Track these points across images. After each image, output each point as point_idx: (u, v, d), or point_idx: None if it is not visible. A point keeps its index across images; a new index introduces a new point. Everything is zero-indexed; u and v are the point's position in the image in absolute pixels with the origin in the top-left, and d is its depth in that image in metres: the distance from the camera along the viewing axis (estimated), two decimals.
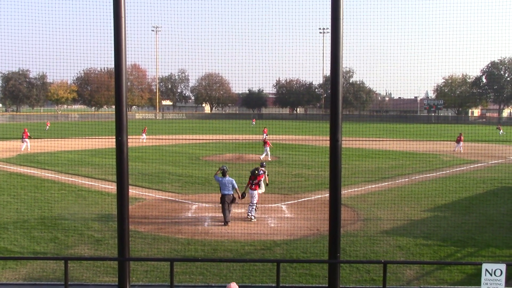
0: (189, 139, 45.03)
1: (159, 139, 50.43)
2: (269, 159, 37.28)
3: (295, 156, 38.19)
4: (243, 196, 18.37)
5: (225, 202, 17.81)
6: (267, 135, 55.87)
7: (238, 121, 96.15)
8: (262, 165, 21.08)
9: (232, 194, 17.91)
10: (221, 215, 18.04)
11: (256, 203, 18.75)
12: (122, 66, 9.59)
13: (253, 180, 18.71)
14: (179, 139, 42.55)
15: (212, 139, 53.91)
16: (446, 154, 41.22)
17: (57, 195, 22.78)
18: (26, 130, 44.14)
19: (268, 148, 38.40)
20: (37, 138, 45.73)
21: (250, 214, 18.55)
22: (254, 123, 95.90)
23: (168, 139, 46.61)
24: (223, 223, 17.85)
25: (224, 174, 18.07)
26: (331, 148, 9.72)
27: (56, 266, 13.15)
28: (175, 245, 15.41)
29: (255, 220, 18.46)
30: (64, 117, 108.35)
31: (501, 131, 68.14)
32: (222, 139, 55.82)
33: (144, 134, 55.04)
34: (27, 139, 43.11)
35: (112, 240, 15.62)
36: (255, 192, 18.61)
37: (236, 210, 20.00)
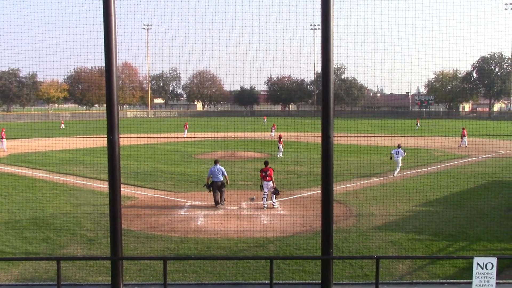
0: (181, 137, 44.98)
1: (151, 137, 50.28)
2: (281, 156, 37.08)
3: (288, 153, 38.23)
4: (261, 188, 20.18)
5: (216, 188, 20.11)
6: (276, 130, 56.81)
7: (231, 118, 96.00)
8: (266, 163, 21.03)
9: (222, 181, 20.19)
10: (214, 211, 18.14)
11: (270, 192, 20.19)
12: (113, 64, 9.56)
13: (266, 172, 20.09)
14: (172, 137, 42.48)
15: (205, 137, 53.86)
16: (438, 149, 41.46)
17: (49, 195, 22.68)
18: (4, 130, 43.94)
19: (281, 146, 38.13)
20: (28, 138, 45.46)
21: (265, 205, 20.08)
22: (265, 121, 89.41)
23: (161, 137, 46.53)
24: (214, 207, 20.06)
25: (215, 163, 20.56)
26: (323, 144, 9.74)
27: (48, 266, 13.10)
28: (168, 243, 15.40)
29: (278, 205, 20.32)
30: (55, 116, 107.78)
31: (418, 124, 69.30)
32: (215, 137, 55.80)
33: (186, 131, 57.71)
34: (4, 139, 42.78)
35: (105, 239, 15.58)
36: (270, 183, 20.06)
37: (229, 207, 20.05)
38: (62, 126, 73.74)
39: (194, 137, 54.08)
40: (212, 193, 20.39)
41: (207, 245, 15.24)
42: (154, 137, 50.17)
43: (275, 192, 20.26)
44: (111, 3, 9.44)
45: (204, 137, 54.15)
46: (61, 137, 42.45)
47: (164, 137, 46.20)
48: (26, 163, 33.80)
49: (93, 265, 13.27)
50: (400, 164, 28.34)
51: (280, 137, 38.93)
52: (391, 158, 28.75)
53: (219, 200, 20.21)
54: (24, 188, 24.29)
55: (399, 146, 28.61)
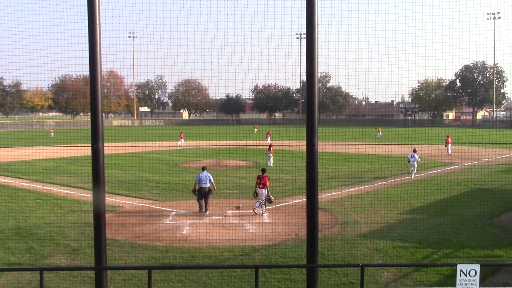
0: (166, 146, 44.81)
1: (136, 146, 50.03)
2: (271, 165, 36.78)
3: (273, 161, 38.26)
4: (255, 195, 20.48)
5: (202, 194, 20.50)
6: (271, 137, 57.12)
7: (216, 126, 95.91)
8: (263, 171, 21.33)
9: (208, 187, 20.60)
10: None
11: (265, 199, 20.39)
12: (98, 73, 9.53)
13: (261, 180, 20.40)
14: (157, 146, 42.30)
15: (191, 145, 53.72)
16: (422, 157, 41.80)
17: (33, 204, 22.43)
18: None
19: (271, 154, 38.00)
20: (11, 147, 44.94)
21: (256, 208, 20.27)
22: (256, 129, 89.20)
23: (146, 146, 46.32)
24: (199, 213, 20.43)
25: (203, 170, 21.06)
26: (307, 153, 9.78)
27: (31, 277, 12.93)
28: (153, 252, 15.30)
29: (266, 214, 20.27)
30: (40, 125, 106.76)
31: (380, 133, 69.60)
32: (201, 145, 55.67)
33: (182, 139, 57.98)
34: None
35: (90, 249, 15.41)
36: (263, 191, 20.28)
37: (214, 217, 20.00)
38: (51, 135, 73.25)
39: (180, 146, 53.90)
40: (197, 200, 20.83)
41: (193, 254, 15.16)
42: (139, 146, 49.92)
43: (268, 200, 20.53)
44: (96, 12, 9.42)
45: (190, 146, 54.01)
46: (45, 146, 42.07)
47: (149, 146, 46.02)
48: (9, 172, 33.38)
49: (77, 275, 13.12)
50: (416, 167, 30.85)
51: (270, 146, 38.93)
52: (408, 161, 31.02)
53: (205, 207, 20.57)
54: (7, 198, 23.98)
55: (414, 151, 31.30)
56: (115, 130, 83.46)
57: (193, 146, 53.57)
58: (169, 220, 19.67)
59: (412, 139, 55.70)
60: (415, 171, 30.65)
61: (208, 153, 47.08)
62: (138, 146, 50.01)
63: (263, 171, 21.18)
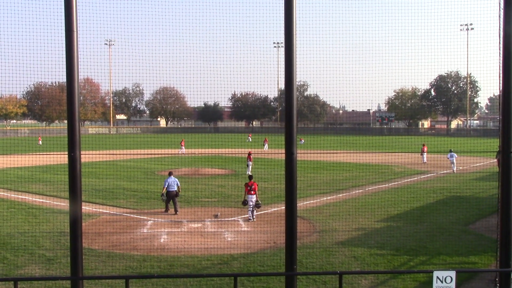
0: (144, 154, 44.42)
1: (113, 154, 49.47)
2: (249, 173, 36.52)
3: (252, 169, 38.24)
4: (244, 203, 20.80)
5: (170, 197, 22.21)
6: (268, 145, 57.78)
7: (194, 134, 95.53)
8: (250, 178, 21.75)
9: (176, 190, 22.24)
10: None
11: (253, 206, 20.70)
12: (75, 80, 9.41)
13: (251, 186, 20.75)
14: (134, 154, 41.91)
15: (168, 153, 53.34)
16: (398, 165, 42.32)
17: (6, 213, 21.97)
18: None
19: (250, 162, 37.87)
20: None
21: (252, 217, 20.75)
22: (250, 138, 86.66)
23: (123, 154, 45.86)
24: (165, 211, 22.26)
25: (170, 175, 22.84)
26: (286, 161, 9.80)
27: (5, 287, 12.65)
28: (130, 262, 15.12)
29: (254, 220, 20.61)
30: (14, 132, 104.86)
31: (302, 141, 68.82)
32: (179, 154, 55.36)
33: (183, 147, 58.58)
34: None
35: (65, 258, 15.17)
36: (254, 197, 20.69)
37: (192, 225, 19.91)
38: (40, 142, 71.86)
39: (157, 154, 53.49)
40: (165, 202, 22.60)
41: (170, 263, 15.04)
42: (116, 154, 49.37)
43: (257, 206, 20.83)
44: (73, 19, 9.32)
45: (168, 154, 53.64)
46: (19, 154, 41.31)
47: (126, 154, 45.56)
48: None
49: (52, 286, 12.90)
50: (455, 164, 38.62)
51: (249, 154, 38.82)
52: (451, 160, 38.75)
53: (174, 208, 22.16)
54: None
55: (450, 151, 39.49)
56: (91, 138, 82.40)
57: (170, 154, 53.22)
58: (147, 229, 19.48)
59: (388, 147, 56.35)
60: (455, 167, 38.42)
61: (186, 161, 46.82)
62: (116, 154, 49.46)
63: (250, 177, 21.62)
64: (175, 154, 54.70)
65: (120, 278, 13.07)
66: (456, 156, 38.75)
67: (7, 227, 19.39)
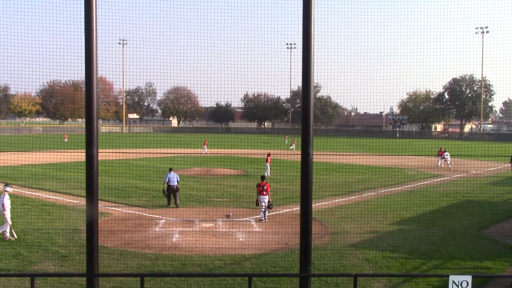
0: (156, 153, 44.62)
1: (126, 152, 49.75)
2: (268, 175, 36.11)
3: (263, 170, 38.23)
4: (257, 203, 20.83)
5: (171, 192, 23.46)
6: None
7: (206, 134, 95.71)
8: (262, 178, 21.58)
9: (176, 185, 23.44)
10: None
11: (265, 207, 20.65)
12: (93, 79, 9.49)
13: (263, 186, 20.70)
14: (146, 152, 42.09)
15: (181, 153, 53.55)
16: (411, 168, 42.07)
17: (20, 210, 22.17)
18: None
19: (268, 164, 37.47)
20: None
21: (264, 218, 20.70)
22: (287, 140, 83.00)
23: (135, 152, 46.09)
24: (167, 206, 23.37)
25: (170, 170, 23.89)
26: (302, 162, 9.80)
27: (19, 283, 12.78)
28: (143, 260, 15.20)
29: (266, 221, 20.56)
30: (27, 130, 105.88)
31: (293, 146, 67.99)
32: (191, 153, 55.49)
33: (205, 147, 58.69)
34: None
35: (78, 255, 15.31)
36: (266, 197, 20.62)
37: (204, 225, 19.96)
38: (65, 140, 72.57)
39: (170, 153, 53.68)
40: (166, 196, 23.82)
41: (183, 262, 15.08)
42: (129, 152, 49.65)
43: (269, 206, 20.88)
44: (93, 18, 9.40)
45: (180, 153, 53.82)
46: (33, 151, 41.70)
47: (139, 153, 45.77)
48: None
49: (66, 282, 12.98)
50: (449, 161, 43.00)
51: (269, 155, 38.51)
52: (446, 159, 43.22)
53: (175, 202, 23.40)
54: None
55: (445, 150, 44.24)
56: (103, 137, 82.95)
57: (183, 153, 53.39)
58: (159, 228, 19.57)
59: (401, 150, 56.06)
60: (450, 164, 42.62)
61: (197, 161, 46.95)
62: (129, 152, 49.72)
63: (263, 178, 21.53)
64: (197, 154, 55.08)
65: (136, 276, 13.16)
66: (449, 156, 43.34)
67: (21, 223, 19.57)
